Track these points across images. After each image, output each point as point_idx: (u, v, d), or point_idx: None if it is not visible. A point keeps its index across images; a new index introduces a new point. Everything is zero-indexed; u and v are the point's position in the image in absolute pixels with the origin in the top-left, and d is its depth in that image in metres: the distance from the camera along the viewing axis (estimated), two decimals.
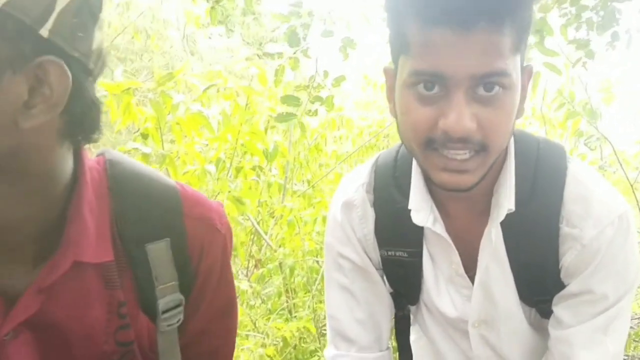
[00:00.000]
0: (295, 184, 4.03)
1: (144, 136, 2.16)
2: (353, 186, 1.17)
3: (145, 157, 2.03)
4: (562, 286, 1.05)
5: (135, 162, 0.94)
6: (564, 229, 1.01)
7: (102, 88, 2.04)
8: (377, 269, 1.19)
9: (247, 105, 2.17)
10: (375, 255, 1.18)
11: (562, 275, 1.05)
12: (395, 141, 4.20)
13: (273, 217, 3.74)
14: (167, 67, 5.17)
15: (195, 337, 0.98)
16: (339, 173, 3.93)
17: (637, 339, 2.85)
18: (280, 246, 3.47)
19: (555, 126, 4.17)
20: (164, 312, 0.91)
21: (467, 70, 0.85)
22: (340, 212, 1.17)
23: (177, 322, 0.94)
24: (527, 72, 0.96)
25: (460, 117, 0.86)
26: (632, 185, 3.00)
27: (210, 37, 4.88)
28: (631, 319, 2.83)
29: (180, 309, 0.93)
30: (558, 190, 1.02)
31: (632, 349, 2.83)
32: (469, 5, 0.83)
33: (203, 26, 4.54)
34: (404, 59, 0.92)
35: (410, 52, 0.90)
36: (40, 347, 0.86)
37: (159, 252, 0.89)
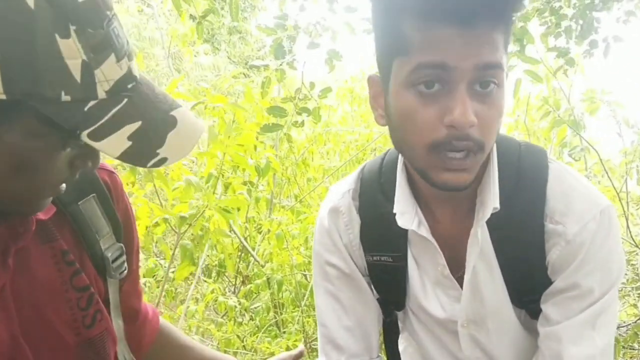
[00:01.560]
0: (282, 200, 4.03)
1: None
2: (339, 193, 1.20)
3: (133, 171, 2.03)
4: (549, 284, 1.06)
5: None
6: (548, 225, 1.03)
7: None
8: (363, 275, 1.20)
9: (234, 121, 2.17)
10: (362, 261, 1.19)
11: (549, 272, 1.06)
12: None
13: (260, 233, 3.73)
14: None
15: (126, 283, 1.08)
16: (326, 187, 3.93)
17: (626, 346, 2.86)
18: (267, 261, 3.45)
19: (540, 137, 4.22)
20: (113, 261, 1.00)
21: (471, 61, 0.87)
22: (327, 218, 1.19)
23: (124, 271, 1.03)
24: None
25: (466, 109, 0.87)
26: (618, 194, 3.01)
27: (196, 55, 4.90)
28: (620, 327, 2.85)
29: (124, 257, 1.02)
30: (541, 188, 1.04)
31: (621, 355, 2.84)
32: (468, 4, 0.85)
33: (189, 44, 4.56)
34: (401, 60, 0.92)
35: (409, 52, 0.90)
36: (15, 315, 0.88)
37: (90, 208, 0.97)
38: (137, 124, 0.75)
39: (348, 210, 1.17)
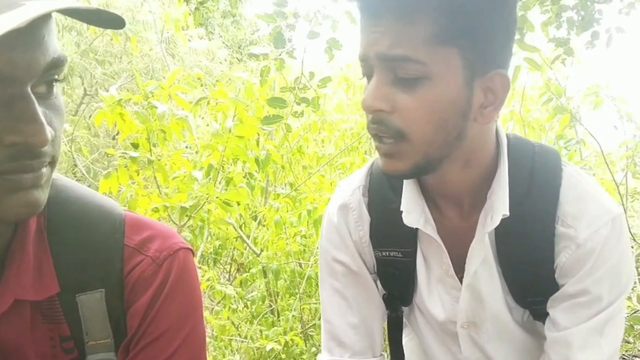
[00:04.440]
0: (277, 187, 4.01)
1: (135, 146, 2.17)
2: (349, 189, 1.19)
3: (135, 161, 2.02)
4: (556, 287, 1.06)
5: (79, 193, 0.85)
6: (559, 228, 1.03)
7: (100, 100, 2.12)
8: (371, 273, 1.20)
9: (235, 116, 2.17)
10: (370, 258, 1.18)
11: (556, 276, 1.06)
12: None
13: (255, 220, 3.72)
14: (146, 69, 5.12)
15: None
16: (322, 175, 3.92)
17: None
18: (262, 249, 3.45)
19: (535, 128, 4.21)
20: None
21: (372, 49, 0.91)
22: (337, 214, 1.18)
23: None
24: (497, 78, 0.94)
25: (369, 94, 0.92)
26: (617, 187, 3.01)
27: (190, 40, 4.85)
28: None
29: None
30: (554, 191, 1.04)
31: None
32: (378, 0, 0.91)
33: (182, 29, 4.52)
34: None
35: None
36: None
37: (90, 304, 0.80)
38: None
39: (358, 207, 1.16)
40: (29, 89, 0.64)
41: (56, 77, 0.68)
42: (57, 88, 0.71)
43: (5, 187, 0.66)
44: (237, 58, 8.12)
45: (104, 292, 0.80)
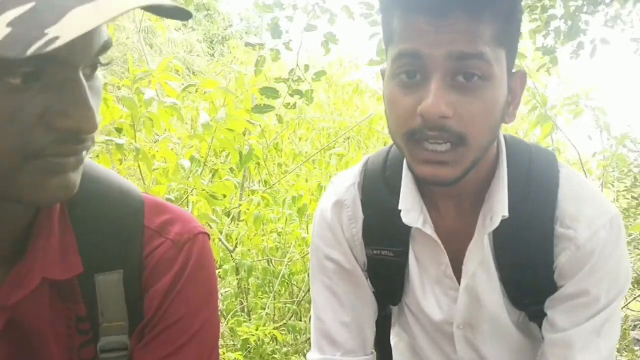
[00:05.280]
0: (251, 184, 3.97)
1: (118, 130, 2.10)
2: (344, 186, 1.16)
3: (120, 147, 1.95)
4: (554, 288, 1.06)
5: (99, 173, 0.83)
6: (558, 229, 1.03)
7: None
8: (362, 270, 1.17)
9: (224, 106, 2.12)
10: (362, 256, 1.16)
11: (555, 276, 1.05)
12: (355, 144, 4.17)
13: (228, 216, 3.67)
14: (123, 58, 5.02)
15: None
16: (297, 174, 3.90)
17: None
18: (236, 245, 3.40)
19: (518, 135, 4.29)
20: (103, 352, 0.80)
21: (443, 49, 0.87)
22: (330, 211, 1.16)
23: None
24: (518, 77, 0.99)
25: (436, 100, 0.87)
26: None
27: (167, 29, 4.76)
28: None
29: (125, 353, 0.81)
30: (552, 192, 1.03)
31: None
32: None
33: (158, 20, 4.44)
34: (390, 50, 0.95)
35: (394, 40, 0.93)
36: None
37: (108, 285, 0.79)
38: (27, 6, 0.55)
39: (353, 204, 1.14)
40: (80, 72, 0.63)
41: (101, 60, 0.67)
42: (98, 71, 0.70)
43: (47, 170, 0.65)
44: (209, 53, 8.03)
45: (123, 272, 0.79)
